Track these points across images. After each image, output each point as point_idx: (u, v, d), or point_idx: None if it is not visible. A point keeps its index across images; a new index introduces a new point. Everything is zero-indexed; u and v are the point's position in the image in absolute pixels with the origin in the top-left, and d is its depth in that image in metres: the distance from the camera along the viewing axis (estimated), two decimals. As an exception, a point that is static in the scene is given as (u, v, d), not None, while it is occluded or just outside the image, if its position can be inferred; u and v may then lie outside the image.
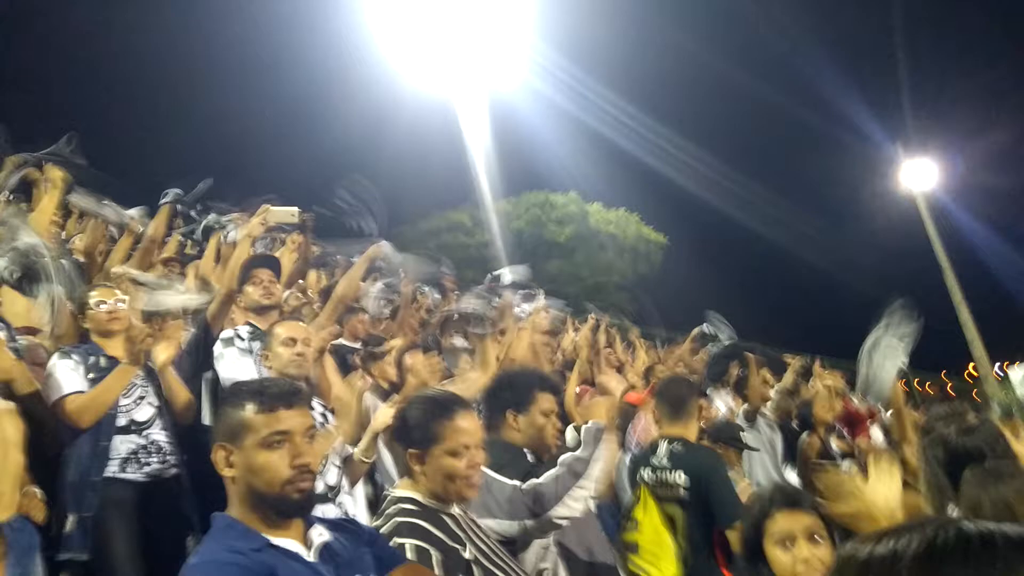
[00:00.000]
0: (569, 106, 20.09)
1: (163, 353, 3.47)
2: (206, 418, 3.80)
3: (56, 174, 4.56)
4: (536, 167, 20.62)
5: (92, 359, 3.47)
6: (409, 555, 2.03)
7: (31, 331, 3.79)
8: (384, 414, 3.16)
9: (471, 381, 3.70)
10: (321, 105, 17.69)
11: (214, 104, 16.67)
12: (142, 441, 3.40)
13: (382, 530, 2.14)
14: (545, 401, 2.85)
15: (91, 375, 3.40)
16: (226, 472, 1.83)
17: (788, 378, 6.04)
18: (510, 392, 2.85)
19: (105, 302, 3.59)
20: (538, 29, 18.37)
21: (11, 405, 3.13)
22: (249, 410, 1.82)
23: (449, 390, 2.40)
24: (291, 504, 1.82)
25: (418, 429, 2.23)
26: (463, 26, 16.65)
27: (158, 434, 3.45)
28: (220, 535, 1.82)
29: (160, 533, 3.24)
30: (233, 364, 3.80)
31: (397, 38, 17.20)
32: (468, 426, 2.22)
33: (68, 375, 3.33)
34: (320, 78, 17.57)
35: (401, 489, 2.26)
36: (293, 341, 3.34)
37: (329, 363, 3.87)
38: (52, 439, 3.39)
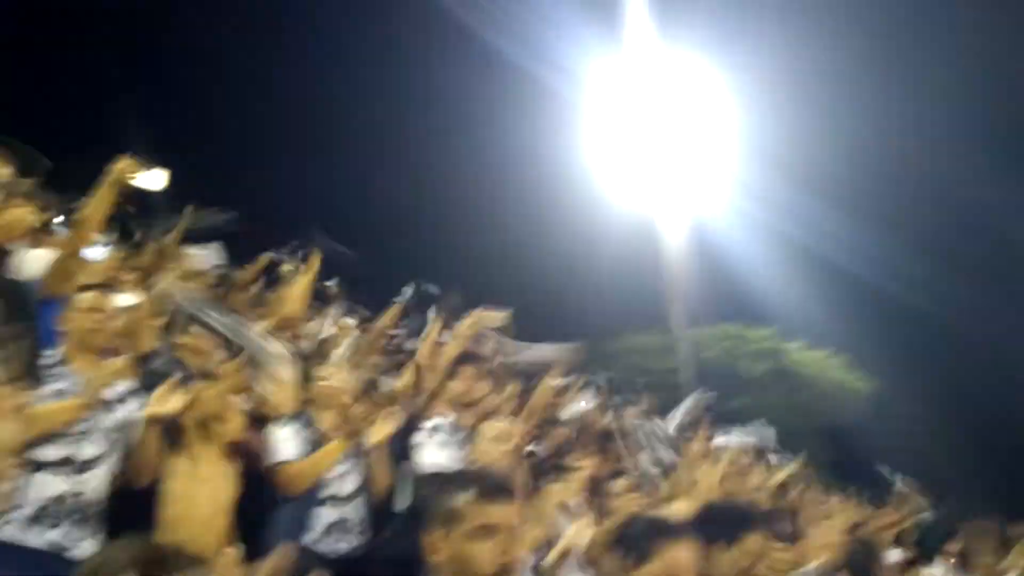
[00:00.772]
0: (776, 227, 19.10)
1: (378, 434, 3.66)
2: (397, 504, 3.91)
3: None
4: (736, 295, 19.81)
5: (307, 430, 3.71)
6: None
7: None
8: (580, 533, 3.12)
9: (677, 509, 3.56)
10: (528, 212, 18.38)
11: (436, 210, 17.97)
12: (341, 515, 3.55)
13: None
14: (753, 542, 2.67)
15: (305, 446, 3.63)
16: (433, 557, 1.86)
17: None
18: (717, 526, 2.70)
19: (329, 378, 3.87)
20: (747, 147, 17.92)
21: (235, 466, 3.42)
22: (464, 499, 1.87)
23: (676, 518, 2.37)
24: None
25: (634, 544, 2.21)
26: (671, 146, 16.89)
27: (357, 511, 3.59)
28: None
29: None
30: (433, 454, 3.91)
31: (604, 152, 17.71)
32: (683, 558, 2.17)
33: (287, 443, 3.57)
34: (531, 185, 18.32)
35: None
36: (501, 440, 3.41)
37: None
38: (258, 502, 3.63)
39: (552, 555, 3.24)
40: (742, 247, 19.70)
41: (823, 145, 18.68)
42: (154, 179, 3.34)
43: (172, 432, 3.17)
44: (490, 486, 1.96)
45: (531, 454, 3.87)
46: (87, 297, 3.16)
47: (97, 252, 4.54)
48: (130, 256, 5.34)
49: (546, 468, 3.99)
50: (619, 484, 4.04)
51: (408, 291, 5.36)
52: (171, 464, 3.12)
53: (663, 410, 7.50)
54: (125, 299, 3.88)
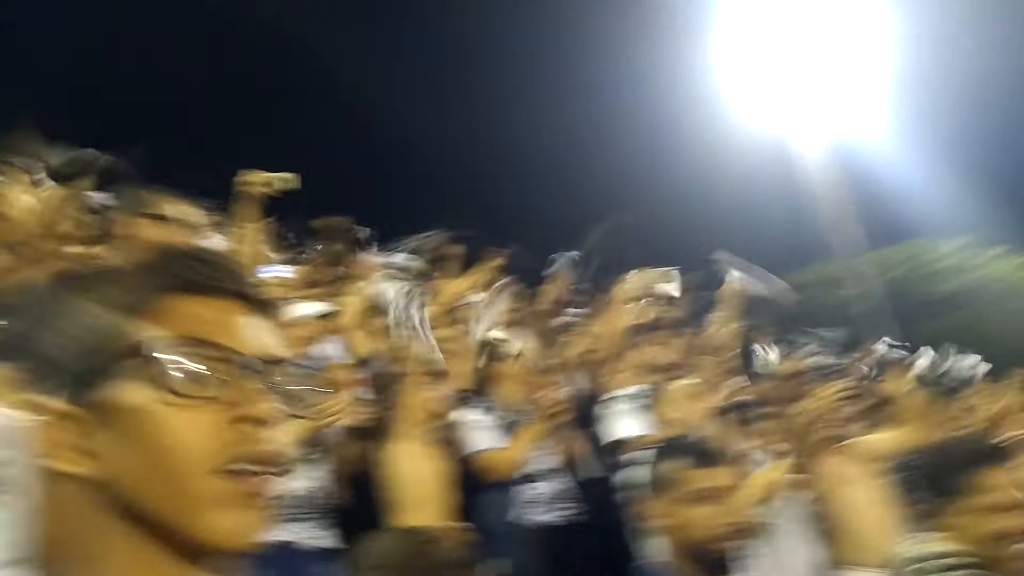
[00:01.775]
0: (942, 137, 17.51)
1: (563, 407, 3.69)
2: (592, 473, 3.94)
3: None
4: (914, 211, 18.35)
5: (496, 412, 3.77)
6: None
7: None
8: (776, 473, 3.00)
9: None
10: (662, 154, 17.69)
11: (559, 151, 17.77)
12: (543, 490, 3.63)
13: None
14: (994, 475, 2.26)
15: (501, 430, 3.68)
16: (659, 522, 1.90)
17: None
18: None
19: (515, 355, 3.90)
20: (900, 62, 16.35)
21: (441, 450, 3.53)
22: (688, 464, 1.90)
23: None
24: (718, 558, 1.83)
25: (953, 475, 1.97)
26: (819, 65, 15.67)
27: (567, 482, 3.66)
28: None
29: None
30: (618, 422, 3.90)
31: (747, 74, 16.65)
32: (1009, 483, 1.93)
33: (484, 430, 3.61)
34: (663, 122, 17.55)
35: (934, 545, 1.97)
36: (692, 399, 3.34)
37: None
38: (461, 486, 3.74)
39: (756, 494, 3.06)
40: (910, 162, 18.23)
41: (976, 59, 16.90)
42: (287, 182, 3.30)
43: (384, 422, 3.28)
44: (699, 452, 1.97)
45: (727, 410, 3.75)
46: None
47: (270, 269, 4.66)
48: (306, 265, 5.58)
49: (745, 421, 3.87)
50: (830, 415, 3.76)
51: (569, 257, 5.29)
52: (388, 452, 3.19)
53: (854, 342, 7.08)
54: (311, 307, 4.05)
